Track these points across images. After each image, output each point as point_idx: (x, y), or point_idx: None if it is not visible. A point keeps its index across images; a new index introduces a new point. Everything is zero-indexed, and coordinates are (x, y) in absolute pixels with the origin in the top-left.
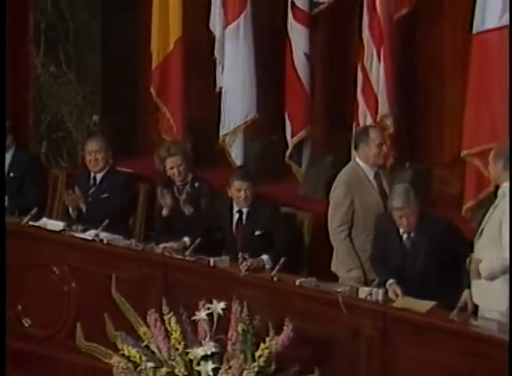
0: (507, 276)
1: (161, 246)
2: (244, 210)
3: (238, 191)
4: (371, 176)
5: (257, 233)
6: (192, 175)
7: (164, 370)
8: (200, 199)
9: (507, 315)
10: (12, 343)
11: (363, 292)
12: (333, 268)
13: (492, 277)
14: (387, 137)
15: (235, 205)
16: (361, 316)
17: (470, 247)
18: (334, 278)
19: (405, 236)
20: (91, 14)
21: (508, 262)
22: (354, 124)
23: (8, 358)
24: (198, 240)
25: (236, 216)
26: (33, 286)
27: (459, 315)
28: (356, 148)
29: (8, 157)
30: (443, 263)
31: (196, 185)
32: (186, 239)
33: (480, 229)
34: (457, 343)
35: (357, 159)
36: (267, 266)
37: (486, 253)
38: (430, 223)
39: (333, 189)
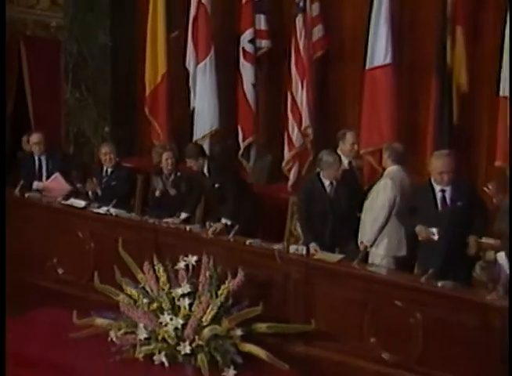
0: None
1: (165, 221)
2: (205, 169)
3: (190, 164)
4: (345, 163)
5: (216, 185)
6: (176, 168)
7: (155, 304)
8: (181, 183)
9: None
10: (50, 286)
11: (292, 249)
12: None
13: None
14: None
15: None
16: (290, 265)
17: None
18: (271, 239)
19: (328, 188)
20: (104, 59)
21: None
22: (285, 133)
23: (47, 296)
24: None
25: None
26: (64, 245)
27: (359, 263)
28: (337, 143)
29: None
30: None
31: (178, 174)
32: (184, 214)
33: (367, 196)
34: (358, 283)
35: (338, 150)
36: (228, 223)
37: (367, 216)
38: (345, 175)
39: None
